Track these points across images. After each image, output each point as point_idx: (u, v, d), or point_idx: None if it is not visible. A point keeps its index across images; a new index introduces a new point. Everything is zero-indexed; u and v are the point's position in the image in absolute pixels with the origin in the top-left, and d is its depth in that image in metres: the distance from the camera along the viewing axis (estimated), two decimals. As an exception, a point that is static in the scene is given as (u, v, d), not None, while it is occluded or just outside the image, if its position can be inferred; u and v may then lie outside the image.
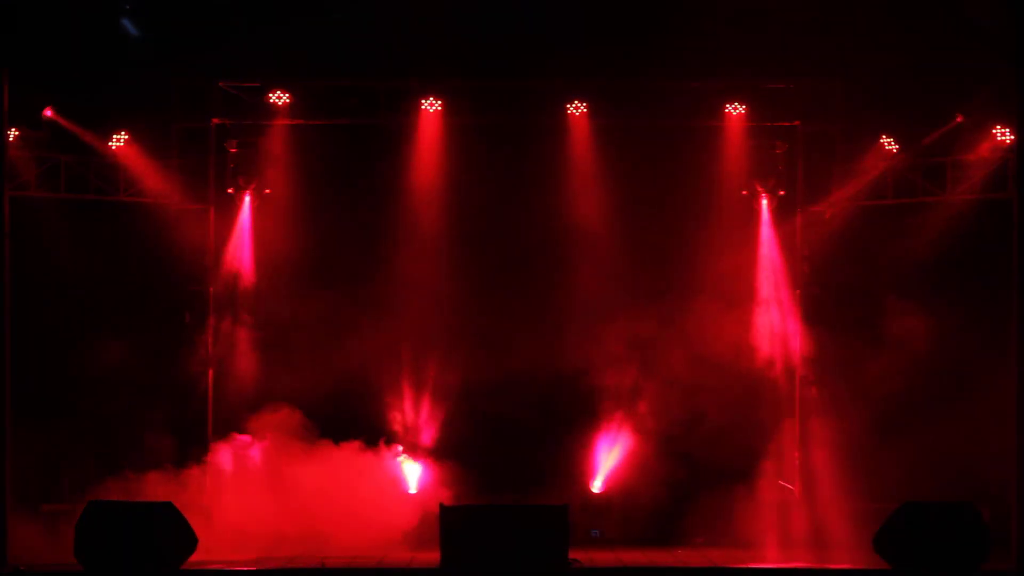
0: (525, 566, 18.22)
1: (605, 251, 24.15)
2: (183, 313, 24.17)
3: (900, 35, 22.74)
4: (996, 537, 19.34)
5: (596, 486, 23.98)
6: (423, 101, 24.15)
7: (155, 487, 22.58)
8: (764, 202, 24.40)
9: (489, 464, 23.73)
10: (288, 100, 24.08)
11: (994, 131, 23.05)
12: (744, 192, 24.41)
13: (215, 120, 24.20)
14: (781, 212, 24.47)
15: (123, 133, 23.97)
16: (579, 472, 24.11)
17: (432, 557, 19.52)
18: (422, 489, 23.80)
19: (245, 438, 23.66)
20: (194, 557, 18.78)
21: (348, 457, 23.52)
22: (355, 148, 24.38)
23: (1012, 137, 22.41)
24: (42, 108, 23.53)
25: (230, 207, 24.45)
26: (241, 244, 24.41)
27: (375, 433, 23.96)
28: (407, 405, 24.23)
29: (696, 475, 23.71)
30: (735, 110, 24.10)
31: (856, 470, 23.10)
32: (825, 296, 24.09)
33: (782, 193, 24.38)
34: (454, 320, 24.23)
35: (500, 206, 24.24)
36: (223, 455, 23.64)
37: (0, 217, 20.59)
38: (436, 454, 24.11)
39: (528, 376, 23.96)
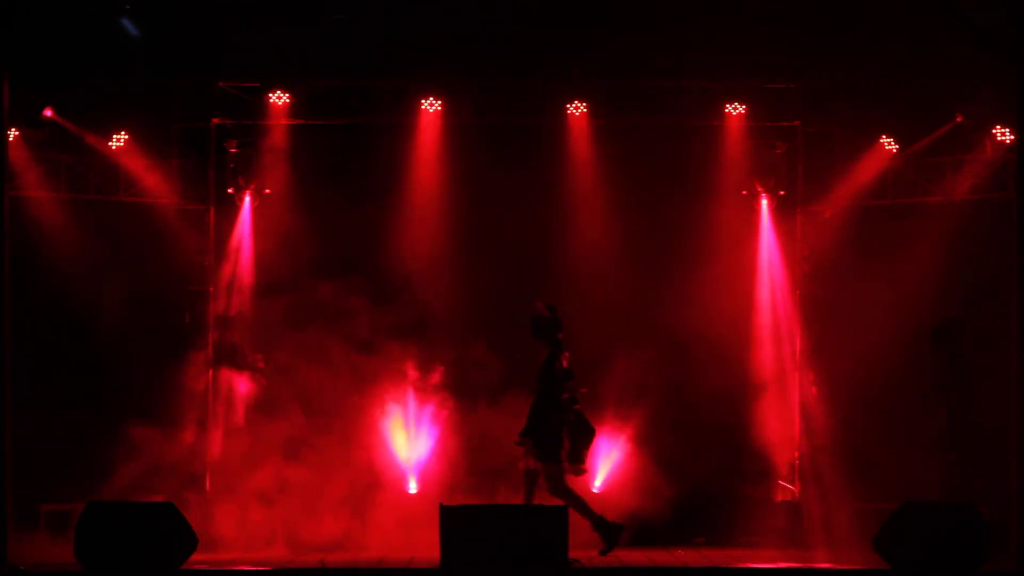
0: (525, 566, 18.19)
1: (602, 250, 24.16)
2: (183, 313, 24.18)
3: (900, 35, 22.77)
4: (996, 537, 19.34)
5: (596, 486, 23.96)
6: (423, 101, 24.16)
7: (155, 485, 22.60)
8: (764, 202, 24.42)
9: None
10: (288, 100, 24.09)
11: (994, 131, 23.06)
12: (744, 192, 24.43)
13: (215, 120, 24.20)
14: (781, 212, 24.48)
15: (123, 133, 23.98)
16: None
17: (432, 557, 19.50)
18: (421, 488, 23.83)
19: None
20: (194, 556, 18.79)
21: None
22: (355, 148, 24.39)
23: (1012, 137, 22.42)
24: (42, 108, 23.55)
25: (230, 207, 24.46)
26: (241, 244, 24.42)
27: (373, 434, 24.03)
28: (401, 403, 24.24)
29: (696, 475, 23.70)
30: (735, 110, 24.11)
31: (856, 470, 23.10)
32: (825, 296, 24.09)
33: (782, 193, 24.39)
34: (451, 319, 24.22)
35: (499, 205, 24.24)
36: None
37: (0, 217, 20.55)
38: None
39: (527, 375, 23.97)
